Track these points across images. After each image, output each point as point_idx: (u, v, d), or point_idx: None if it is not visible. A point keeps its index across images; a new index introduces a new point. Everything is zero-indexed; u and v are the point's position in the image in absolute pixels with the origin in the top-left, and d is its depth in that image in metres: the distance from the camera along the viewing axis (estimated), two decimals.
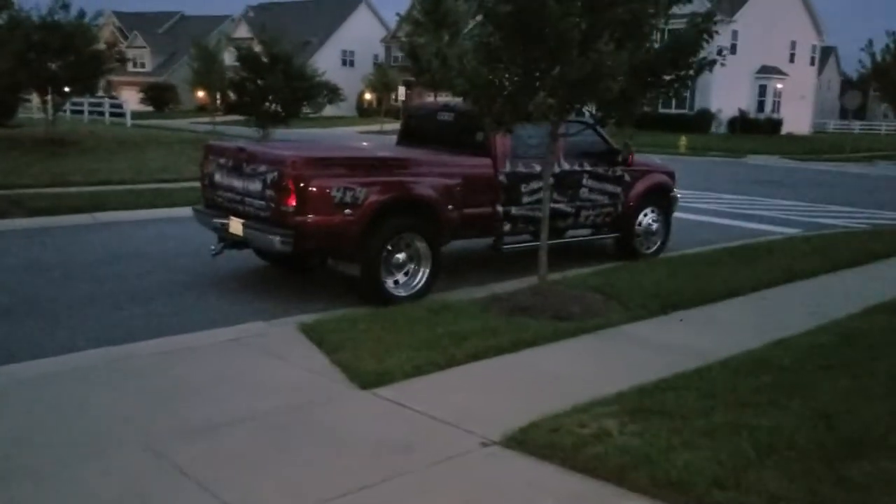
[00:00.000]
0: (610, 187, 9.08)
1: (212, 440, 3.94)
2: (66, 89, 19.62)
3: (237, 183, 7.21)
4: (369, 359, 5.21)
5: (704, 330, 6.35)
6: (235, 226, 7.10)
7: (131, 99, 55.43)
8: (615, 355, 5.62)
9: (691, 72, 6.49)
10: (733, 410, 4.24)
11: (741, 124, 44.04)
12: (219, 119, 34.32)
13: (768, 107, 47.63)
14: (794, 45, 49.00)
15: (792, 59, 49.35)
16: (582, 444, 3.76)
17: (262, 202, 6.87)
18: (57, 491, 3.43)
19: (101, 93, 43.63)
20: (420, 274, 7.28)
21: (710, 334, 6.21)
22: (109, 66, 20.69)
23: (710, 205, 15.12)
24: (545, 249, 7.03)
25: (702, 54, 6.49)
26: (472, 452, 3.83)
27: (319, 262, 7.41)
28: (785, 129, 46.17)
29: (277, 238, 6.65)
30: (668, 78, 6.52)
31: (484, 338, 5.73)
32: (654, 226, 9.62)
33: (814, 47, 51.71)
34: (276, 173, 6.70)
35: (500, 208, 7.94)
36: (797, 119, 49.09)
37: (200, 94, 43.42)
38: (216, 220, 7.34)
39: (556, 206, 8.22)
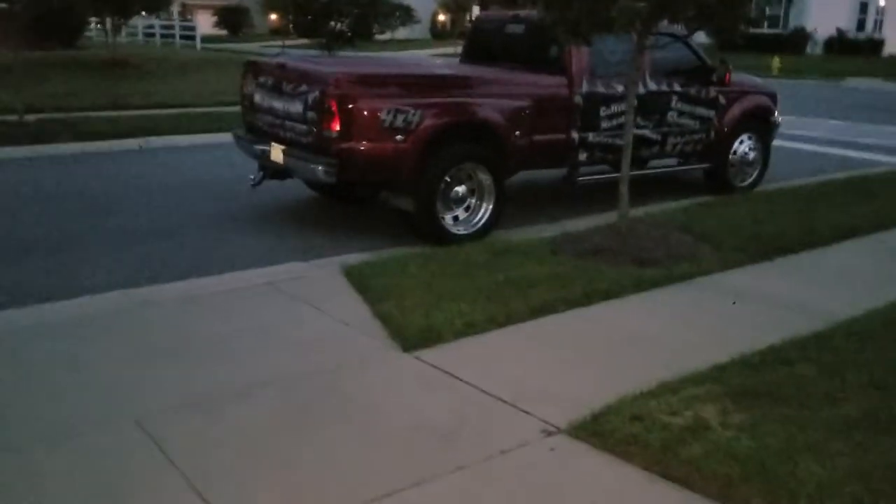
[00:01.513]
0: (702, 110, 7.94)
1: (212, 418, 3.25)
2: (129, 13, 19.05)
3: (278, 104, 6.43)
4: (416, 311, 4.44)
5: (815, 280, 5.34)
6: (276, 153, 6.35)
7: (205, 23, 55.12)
8: (709, 312, 4.70)
9: None
10: (870, 397, 3.31)
11: (839, 45, 40.71)
12: (289, 42, 33.51)
13: (869, 25, 43.86)
14: None
15: None
16: (674, 440, 2.92)
17: (304, 126, 6.08)
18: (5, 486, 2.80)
19: (176, 16, 43.27)
20: (482, 209, 6.42)
21: (822, 286, 5.21)
22: None
23: (809, 131, 13.65)
24: (626, 182, 6.06)
25: None
26: (531, 444, 3.04)
27: (371, 195, 6.62)
28: (887, 51, 42.53)
29: (320, 167, 5.88)
30: None
31: (551, 287, 4.89)
32: (751, 155, 8.47)
33: None
34: (317, 93, 5.88)
35: (575, 134, 6.96)
36: None
37: (273, 16, 42.63)
38: (257, 147, 6.61)
39: (640, 131, 7.18)
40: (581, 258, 5.60)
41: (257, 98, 6.76)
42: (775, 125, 8.75)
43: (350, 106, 5.74)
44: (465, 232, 6.31)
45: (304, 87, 6.05)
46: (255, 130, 6.88)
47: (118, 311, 4.55)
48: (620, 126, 7.01)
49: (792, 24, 39.81)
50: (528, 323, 4.42)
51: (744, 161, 8.42)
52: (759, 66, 28.29)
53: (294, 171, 6.34)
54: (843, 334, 4.10)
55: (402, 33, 41.47)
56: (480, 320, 4.35)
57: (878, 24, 44.09)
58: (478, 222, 6.40)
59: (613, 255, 5.61)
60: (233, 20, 58.01)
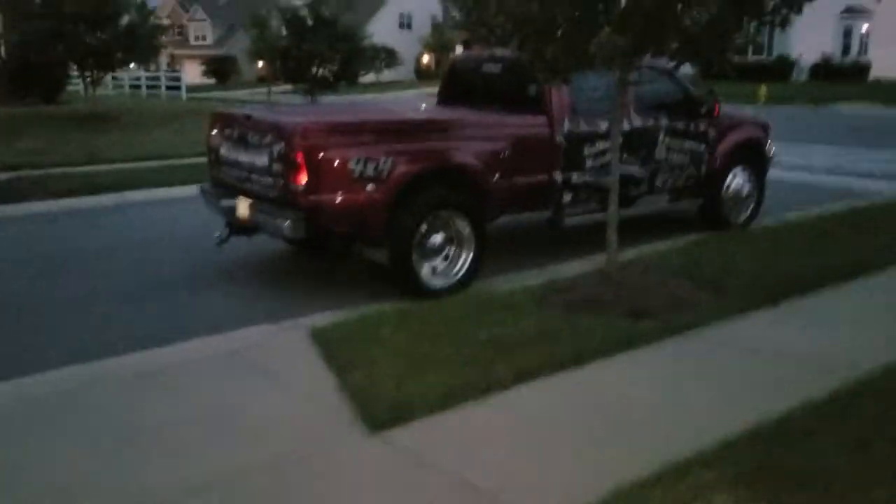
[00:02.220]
0: (691, 145, 7.59)
1: None
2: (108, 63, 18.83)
3: (244, 157, 6.05)
4: (387, 382, 4.00)
5: (829, 327, 4.91)
6: (243, 208, 5.95)
7: (193, 72, 55.30)
8: (714, 371, 4.27)
9: None
10: None
11: (824, 71, 40.82)
12: (276, 89, 33.45)
13: (854, 50, 44.10)
14: None
15: None
16: None
17: (270, 179, 5.70)
18: None
19: (164, 67, 43.32)
20: (461, 259, 6.00)
21: (837, 334, 4.78)
22: (154, 39, 19.83)
23: (802, 159, 13.31)
24: (615, 224, 5.67)
25: None
26: None
27: (345, 248, 6.21)
28: (873, 75, 42.66)
29: (287, 222, 5.47)
30: (772, 1, 5.02)
31: (538, 347, 4.46)
32: (746, 189, 8.09)
33: None
34: (283, 144, 5.50)
35: (558, 176, 6.58)
36: (887, 63, 45.35)
37: (260, 64, 42.73)
38: (222, 202, 6.21)
39: (627, 169, 6.81)
40: (570, 311, 5.17)
41: (223, 151, 6.39)
42: (769, 157, 8.40)
43: (317, 156, 5.36)
44: (444, 284, 5.89)
45: (269, 139, 5.67)
46: (221, 184, 6.49)
47: (61, 393, 4.10)
48: (605, 165, 6.65)
49: (776, 51, 39.93)
50: (512, 391, 3.98)
51: (738, 196, 8.04)
52: (744, 94, 28.21)
53: (261, 226, 5.93)
54: (867, 395, 3.66)
55: (387, 75, 41.59)
56: (459, 390, 3.91)
57: (864, 48, 44.31)
58: (458, 273, 5.98)
59: (605, 307, 5.18)
60: (220, 69, 58.23)
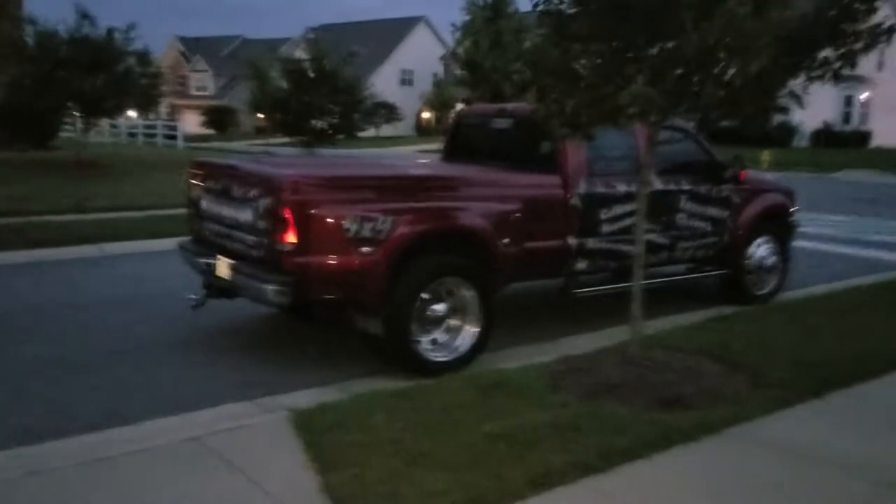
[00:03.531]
0: (714, 211, 7.04)
1: None
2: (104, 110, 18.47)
3: (226, 212, 5.47)
4: (379, 486, 3.34)
5: (886, 429, 4.26)
6: (223, 268, 5.34)
7: (193, 122, 55.34)
8: (763, 483, 3.60)
9: (859, 45, 4.47)
10: None
11: (826, 137, 40.84)
12: (274, 141, 33.20)
13: (855, 118, 44.25)
14: (882, 51, 45.43)
15: (880, 66, 45.83)
16: None
17: (254, 237, 5.10)
18: None
19: (163, 116, 43.23)
20: (466, 331, 5.38)
21: None
22: (152, 87, 19.51)
23: (817, 228, 12.78)
24: (639, 297, 5.05)
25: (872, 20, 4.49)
26: None
27: (335, 314, 5.58)
28: (874, 142, 42.71)
29: (272, 286, 4.86)
30: (823, 56, 4.50)
31: (556, 443, 3.80)
32: (770, 260, 7.52)
33: None
34: (269, 199, 4.92)
35: (572, 241, 6.01)
36: (888, 131, 45.50)
37: (259, 115, 42.67)
38: (200, 260, 5.60)
39: (647, 236, 6.23)
40: (590, 397, 4.52)
41: (204, 204, 5.81)
42: (794, 226, 7.85)
43: (307, 213, 4.77)
44: (446, 358, 5.26)
45: (254, 192, 5.10)
46: (201, 241, 5.90)
47: None
48: (623, 230, 6.09)
49: (777, 117, 39.99)
50: (529, 501, 3.31)
51: (762, 266, 7.46)
52: (747, 159, 27.92)
53: (242, 289, 5.30)
54: None
55: (387, 130, 41.48)
56: (462, 500, 3.24)
57: (864, 117, 44.46)
58: (461, 346, 5.35)
59: (630, 394, 4.53)
60: (220, 120, 58.33)
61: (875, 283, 8.11)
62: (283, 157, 11.91)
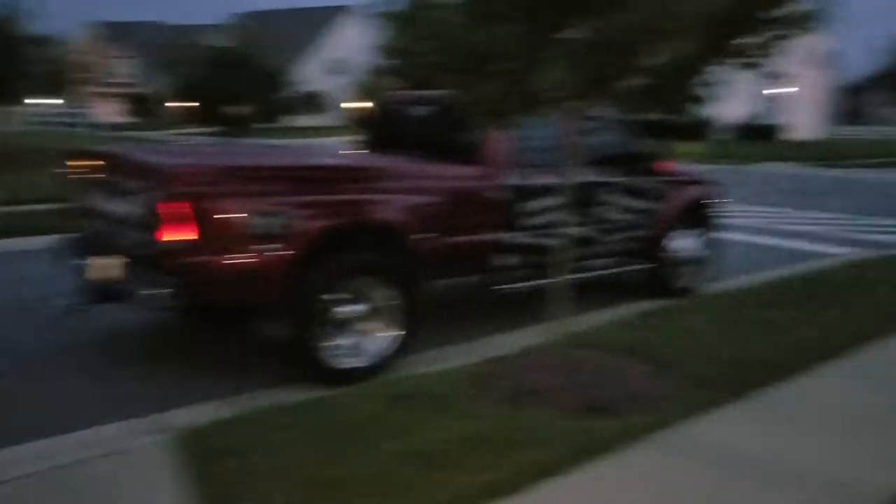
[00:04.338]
0: (640, 204, 6.86)
1: None
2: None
3: (110, 205, 4.97)
4: None
5: (815, 430, 4.09)
6: (102, 268, 4.82)
7: (112, 110, 53.23)
8: (692, 494, 3.37)
9: (784, 30, 4.30)
10: None
11: (744, 130, 41.94)
12: (199, 130, 32.12)
13: (772, 112, 45.65)
14: (800, 47, 46.98)
15: (798, 62, 47.35)
16: None
17: (139, 234, 4.61)
18: None
19: (79, 103, 41.32)
20: (383, 335, 5.02)
21: (827, 440, 3.96)
22: (62, 73, 18.40)
23: (740, 219, 12.85)
24: (564, 294, 4.78)
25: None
26: None
27: (238, 320, 5.14)
28: (792, 135, 44.13)
29: (156, 288, 4.40)
30: (747, 41, 4.30)
31: (472, 460, 3.49)
32: (696, 252, 7.39)
33: (819, 50, 49.76)
34: (156, 191, 4.44)
35: (498, 235, 5.71)
36: (803, 124, 47.14)
37: (178, 103, 41.27)
38: (77, 260, 5.06)
39: (574, 230, 5.98)
40: (512, 403, 4.23)
41: (86, 196, 5.28)
42: (718, 218, 7.75)
43: (199, 207, 4.32)
44: (359, 364, 4.89)
45: (141, 183, 4.61)
46: (82, 238, 5.36)
47: None
48: (550, 224, 5.81)
49: (701, 109, 40.77)
50: None
51: (687, 259, 7.32)
52: (672, 151, 28.33)
53: (123, 292, 4.78)
54: None
55: (319, 121, 40.56)
56: None
57: (783, 110, 45.92)
58: (377, 351, 4.99)
59: (555, 399, 4.26)
60: (142, 107, 56.25)
61: (797, 274, 8.09)
62: (181, 146, 11.12)
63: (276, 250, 4.50)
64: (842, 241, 11.00)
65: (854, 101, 66.26)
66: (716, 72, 4.63)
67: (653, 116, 6.75)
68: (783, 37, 4.44)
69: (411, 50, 4.74)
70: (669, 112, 4.93)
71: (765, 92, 45.39)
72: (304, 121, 32.91)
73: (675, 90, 4.48)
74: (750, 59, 4.49)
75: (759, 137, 40.34)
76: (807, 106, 48.70)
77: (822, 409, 4.40)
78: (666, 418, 4.08)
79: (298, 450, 3.57)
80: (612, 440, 3.79)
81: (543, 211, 5.80)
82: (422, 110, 6.63)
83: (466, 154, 5.74)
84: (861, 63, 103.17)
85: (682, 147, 28.67)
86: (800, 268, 8.56)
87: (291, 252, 4.53)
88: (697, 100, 5.01)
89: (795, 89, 46.74)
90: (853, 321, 6.08)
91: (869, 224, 13.24)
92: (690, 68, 4.33)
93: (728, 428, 4.08)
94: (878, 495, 3.26)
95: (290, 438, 3.69)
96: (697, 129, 39.72)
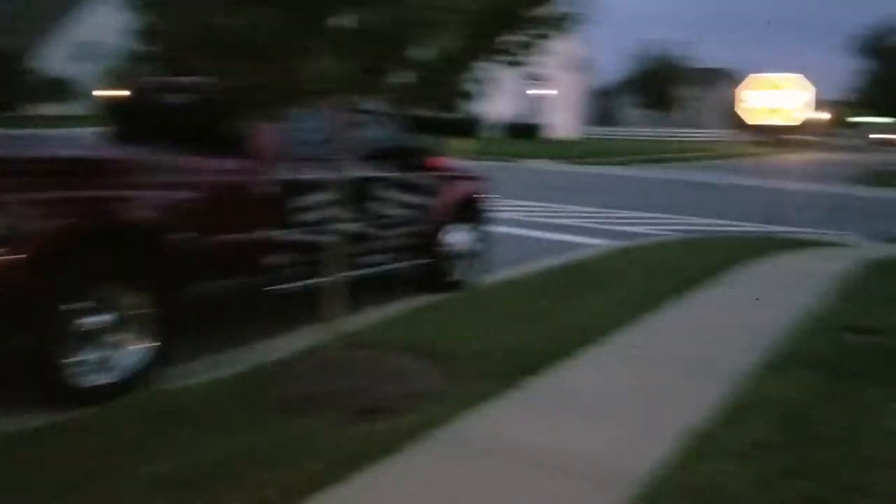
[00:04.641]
0: (413, 199, 6.85)
1: None
2: None
3: None
4: None
5: (579, 415, 4.24)
6: None
7: None
8: (467, 489, 3.33)
9: (544, 30, 4.41)
10: None
11: (511, 129, 44.33)
12: None
13: (536, 112, 48.68)
14: (556, 52, 50.43)
15: (557, 65, 50.82)
16: None
17: None
18: None
19: None
20: (136, 347, 4.52)
21: (589, 424, 4.12)
22: None
23: (509, 213, 13.41)
24: (339, 293, 4.61)
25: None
26: None
27: None
28: (553, 134, 47.32)
29: None
30: (512, 38, 4.37)
31: (236, 480, 3.20)
32: (469, 246, 7.53)
33: (574, 55, 53.76)
34: None
35: (267, 233, 5.39)
36: (563, 124, 50.77)
37: None
38: None
39: (346, 226, 5.80)
40: (284, 413, 3.98)
41: None
42: (489, 212, 7.96)
43: None
44: (108, 381, 4.36)
45: None
46: None
47: None
48: (323, 220, 5.59)
49: (471, 107, 42.45)
50: None
51: (460, 253, 7.44)
52: (444, 147, 29.19)
53: None
54: None
55: (69, 109, 36.97)
56: None
57: (545, 111, 49.08)
58: (129, 366, 4.48)
59: (329, 404, 4.08)
60: None
61: (561, 264, 8.54)
62: None
63: (7, 254, 3.88)
64: (601, 233, 11.85)
65: (606, 103, 72.50)
66: (483, 69, 4.68)
67: (426, 113, 6.74)
68: (543, 36, 4.57)
69: (164, 32, 4.30)
70: (439, 108, 4.89)
71: (529, 92, 48.31)
72: (49, 109, 29.79)
73: (444, 86, 4.45)
74: (514, 57, 4.58)
75: (524, 136, 42.82)
76: (565, 107, 52.55)
77: (585, 393, 4.59)
78: (444, 415, 4.04)
79: (37, 483, 3.08)
80: (391, 442, 3.67)
81: (315, 207, 5.57)
82: (181, 98, 6.13)
83: (230, 146, 5.36)
84: (612, 68, 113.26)
85: (454, 143, 29.68)
86: (564, 258, 9.05)
87: (21, 257, 3.93)
88: (467, 96, 5.04)
89: (555, 91, 50.27)
90: (613, 306, 6.49)
91: (623, 217, 14.42)
92: (458, 64, 4.31)
93: (496, 419, 4.11)
94: (637, 476, 3.42)
95: (29, 469, 3.17)
96: (468, 126, 41.42)
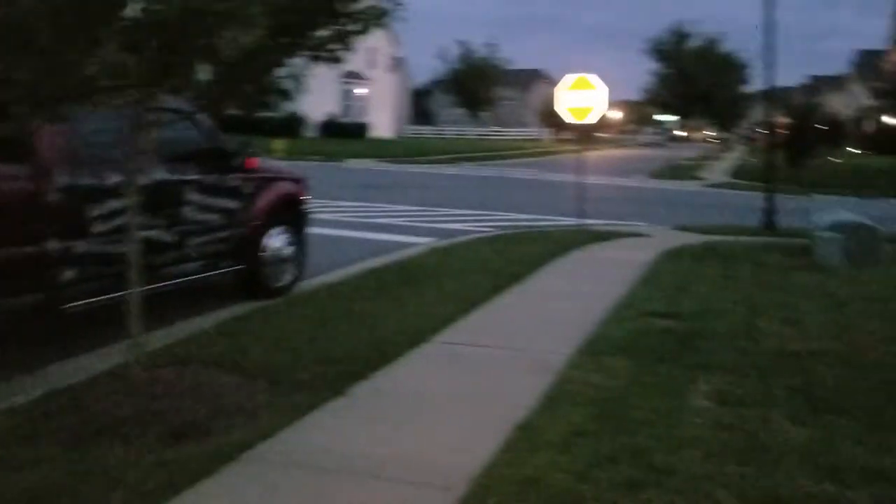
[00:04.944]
0: (225, 202, 6.51)
1: None
2: None
3: None
4: None
5: (410, 414, 4.17)
6: None
7: None
8: None
9: (354, 26, 4.28)
10: None
11: (331, 128, 43.94)
12: None
13: (354, 111, 48.55)
14: (372, 52, 50.53)
15: (372, 65, 50.96)
16: None
17: None
18: None
19: None
20: None
21: (423, 423, 4.05)
22: None
23: (328, 214, 13.17)
24: (138, 309, 4.24)
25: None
26: None
27: None
28: (372, 134, 47.38)
29: None
30: (323, 34, 4.21)
31: None
32: (287, 250, 7.23)
33: (390, 55, 54.18)
34: None
35: (55, 245, 4.88)
36: (381, 124, 50.96)
37: None
38: None
39: (150, 234, 5.37)
40: (78, 445, 3.58)
41: None
42: (308, 214, 7.72)
43: None
44: None
45: None
46: None
47: None
48: (119, 230, 5.15)
49: (286, 108, 41.59)
50: None
51: (279, 258, 7.13)
52: (259, 147, 28.31)
53: None
54: None
55: None
56: None
57: (362, 110, 49.04)
58: None
59: (131, 430, 3.72)
60: None
61: (386, 264, 8.47)
62: None
63: None
64: (423, 232, 11.91)
65: (424, 103, 73.65)
66: (297, 65, 4.48)
67: (242, 112, 6.43)
68: (358, 32, 4.44)
69: None
70: (254, 106, 4.64)
71: (349, 91, 48.11)
72: None
73: (253, 82, 4.21)
74: (329, 53, 4.42)
75: (346, 135, 42.55)
76: (383, 106, 52.82)
77: (412, 396, 4.51)
78: (262, 431, 3.82)
79: None
80: (204, 466, 3.40)
81: (111, 214, 5.11)
82: None
83: (9, 149, 4.80)
84: (430, 67, 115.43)
85: (274, 143, 28.91)
86: (387, 259, 8.99)
87: None
88: (282, 94, 4.82)
89: (373, 90, 50.43)
90: (436, 305, 6.49)
91: (445, 214, 14.61)
92: (265, 59, 4.09)
93: (326, 431, 3.94)
94: (466, 475, 3.38)
95: None
96: (289, 126, 40.55)
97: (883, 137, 42.34)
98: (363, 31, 4.35)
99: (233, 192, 6.56)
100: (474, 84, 61.59)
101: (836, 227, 9.10)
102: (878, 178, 25.28)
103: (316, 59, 4.37)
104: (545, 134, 62.52)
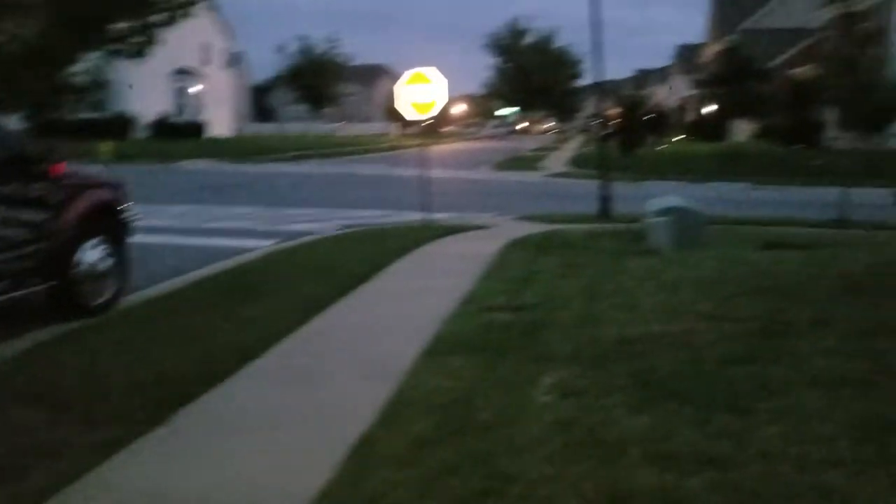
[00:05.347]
0: (28, 214, 5.87)
1: None
2: None
3: None
4: None
5: (243, 438, 3.83)
6: None
7: None
8: None
9: (158, 17, 3.87)
10: None
11: (164, 128, 41.68)
12: None
13: (189, 110, 46.37)
14: (206, 47, 48.46)
15: (207, 61, 48.90)
16: None
17: None
18: None
19: None
20: None
21: (258, 447, 3.72)
22: None
23: (160, 221, 12.35)
24: None
25: None
26: None
27: None
28: (209, 133, 45.40)
29: None
30: (123, 26, 3.77)
31: None
32: (105, 263, 6.59)
33: (226, 51, 52.24)
34: None
35: None
36: (219, 122, 49.00)
37: None
38: None
39: None
40: None
41: None
42: (129, 222, 7.11)
43: None
44: None
45: None
46: None
47: None
48: None
49: (113, 108, 39.08)
50: None
51: (95, 273, 6.47)
52: (83, 152, 26.42)
53: None
54: None
55: None
56: None
57: (197, 108, 46.88)
58: None
59: None
60: None
61: (222, 272, 8.00)
62: None
63: None
64: (264, 234, 11.40)
65: (263, 99, 71.70)
66: (95, 60, 4.00)
67: (57, 114, 5.75)
68: (164, 23, 4.04)
69: None
70: (39, 107, 4.11)
71: (187, 89, 45.96)
72: None
73: (39, 80, 3.70)
74: (131, 46, 3.98)
75: (181, 135, 40.47)
76: (220, 104, 50.83)
77: (247, 417, 4.17)
78: (64, 473, 3.37)
79: None
80: None
81: None
82: None
83: None
84: (269, 63, 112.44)
85: (102, 146, 26.99)
86: (224, 265, 8.49)
87: None
88: (78, 92, 4.32)
89: (208, 87, 48.44)
90: (276, 315, 6.13)
91: (287, 215, 14.12)
92: (52, 54, 3.60)
93: (137, 467, 3.54)
94: (304, 499, 3.12)
95: None
96: (118, 127, 38.00)
97: (703, 124, 45.48)
98: (169, 23, 3.95)
99: (36, 203, 5.92)
100: (315, 79, 60.47)
101: (663, 211, 9.50)
102: (700, 163, 27.02)
103: (117, 53, 3.92)
104: (392, 129, 62.46)
